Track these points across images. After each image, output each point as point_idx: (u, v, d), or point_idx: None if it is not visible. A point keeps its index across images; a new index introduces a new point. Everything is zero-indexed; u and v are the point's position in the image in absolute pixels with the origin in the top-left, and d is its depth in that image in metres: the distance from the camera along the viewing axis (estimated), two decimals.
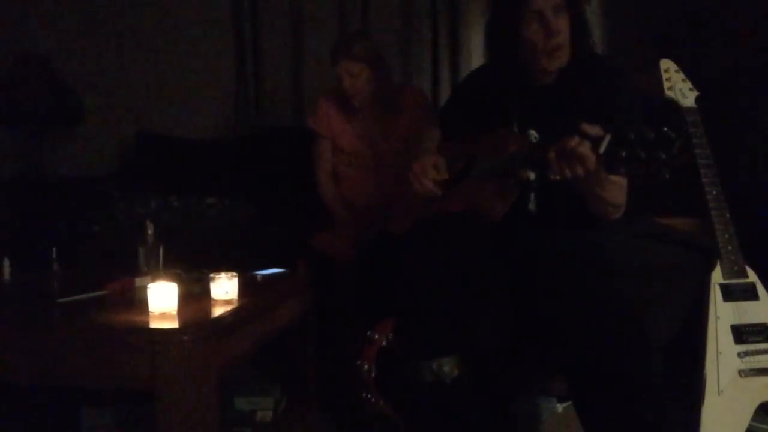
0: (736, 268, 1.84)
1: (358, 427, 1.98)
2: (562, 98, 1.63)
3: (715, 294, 1.81)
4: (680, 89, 1.98)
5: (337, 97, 2.43)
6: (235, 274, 1.66)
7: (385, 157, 2.40)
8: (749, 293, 1.83)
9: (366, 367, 1.69)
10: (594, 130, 1.29)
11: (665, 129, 1.17)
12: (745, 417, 1.74)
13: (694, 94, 1.98)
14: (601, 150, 1.25)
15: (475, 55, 3.08)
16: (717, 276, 1.83)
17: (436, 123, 2.02)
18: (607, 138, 1.24)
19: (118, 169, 3.27)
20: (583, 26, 1.65)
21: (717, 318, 1.78)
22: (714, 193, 1.88)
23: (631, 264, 1.56)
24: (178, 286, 1.53)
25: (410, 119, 2.35)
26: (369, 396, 1.71)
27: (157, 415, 1.38)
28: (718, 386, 1.73)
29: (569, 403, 1.73)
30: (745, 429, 1.74)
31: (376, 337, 1.72)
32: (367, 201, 2.42)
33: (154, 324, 1.46)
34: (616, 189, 1.46)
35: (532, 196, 1.60)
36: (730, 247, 1.85)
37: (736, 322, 1.79)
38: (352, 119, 2.44)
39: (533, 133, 1.58)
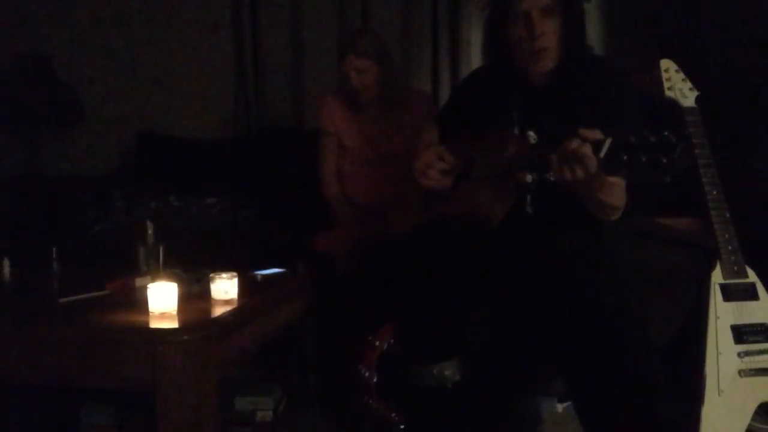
0: (736, 268, 1.84)
1: (359, 428, 1.98)
2: (561, 98, 1.63)
3: (715, 294, 1.81)
4: (680, 89, 1.98)
5: (343, 95, 2.43)
6: (235, 274, 1.66)
7: (388, 156, 2.40)
8: (749, 293, 1.83)
9: (367, 373, 1.69)
10: (593, 134, 1.29)
11: (666, 133, 1.16)
12: (745, 417, 1.74)
13: (694, 94, 1.98)
14: (602, 154, 1.25)
15: (475, 55, 3.08)
16: (717, 276, 1.83)
17: (433, 124, 2.02)
18: (608, 142, 1.24)
19: (118, 169, 3.28)
20: (578, 27, 1.65)
21: (717, 318, 1.78)
22: (714, 193, 1.88)
23: (631, 264, 1.56)
24: (178, 286, 1.54)
25: (415, 121, 2.34)
26: (371, 401, 1.71)
27: (157, 415, 1.38)
28: (718, 386, 1.73)
29: (569, 403, 1.73)
30: (745, 429, 1.74)
31: (377, 342, 1.72)
32: (369, 199, 2.42)
33: (154, 324, 1.46)
34: (616, 191, 1.45)
35: (529, 198, 1.60)
36: (730, 247, 1.85)
37: (736, 322, 1.79)
38: (357, 117, 2.44)
39: (532, 134, 1.58)
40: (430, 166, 1.66)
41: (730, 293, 1.81)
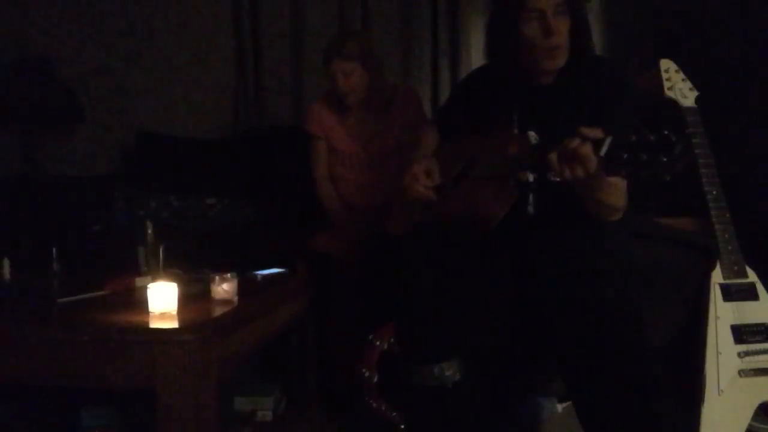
0: (736, 268, 1.84)
1: (359, 428, 1.98)
2: (562, 99, 1.63)
3: (715, 294, 1.81)
4: (680, 89, 1.98)
5: (330, 98, 2.45)
6: (235, 274, 1.66)
7: (379, 157, 2.41)
8: (749, 293, 1.83)
9: (367, 373, 1.69)
10: (594, 132, 1.29)
11: (666, 132, 1.16)
12: (745, 417, 1.74)
13: (694, 94, 1.98)
14: (602, 152, 1.25)
15: (475, 55, 3.08)
16: (717, 276, 1.83)
17: (431, 125, 2.03)
18: (608, 140, 1.24)
19: (118, 169, 3.27)
20: (584, 27, 1.65)
21: (717, 318, 1.78)
22: (714, 193, 1.89)
23: (631, 264, 1.56)
24: (178, 286, 1.53)
25: (402, 118, 2.37)
26: (371, 400, 1.71)
27: (157, 415, 1.38)
28: (718, 386, 1.73)
29: (569, 403, 1.73)
30: (745, 429, 1.74)
31: (377, 342, 1.72)
32: (363, 200, 2.42)
33: (154, 324, 1.46)
34: (616, 192, 1.46)
35: (531, 197, 1.60)
36: (730, 247, 1.85)
37: (736, 322, 1.79)
38: (345, 119, 2.45)
39: (533, 134, 1.58)
40: (417, 180, 1.67)
41: (730, 293, 1.82)
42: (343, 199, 2.47)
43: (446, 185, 1.70)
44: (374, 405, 1.72)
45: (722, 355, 1.75)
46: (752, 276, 1.85)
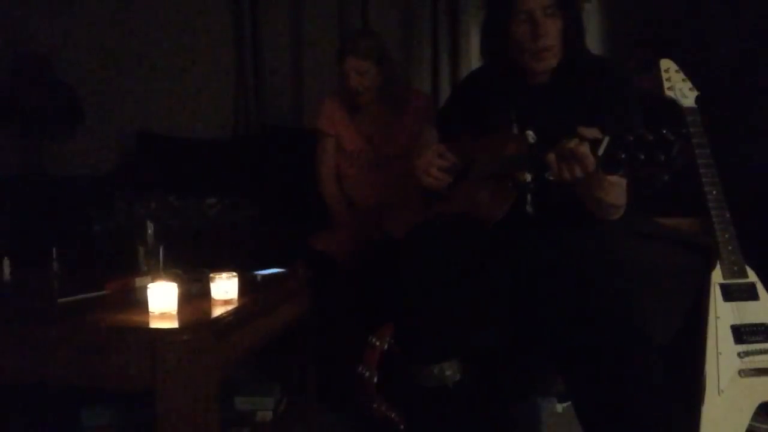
0: (736, 268, 1.84)
1: (359, 428, 1.98)
2: (559, 98, 1.63)
3: (715, 294, 1.81)
4: (680, 89, 1.97)
5: (342, 96, 2.43)
6: (235, 274, 1.66)
7: (387, 158, 2.40)
8: (749, 293, 1.83)
9: (367, 373, 1.69)
10: (592, 132, 1.29)
11: (664, 131, 1.17)
12: (745, 417, 1.74)
13: (694, 94, 1.98)
14: (600, 152, 1.25)
15: (475, 55, 3.08)
16: (717, 276, 1.83)
17: (430, 125, 2.03)
18: (606, 140, 1.25)
19: (118, 169, 3.28)
20: (577, 27, 1.65)
21: (717, 318, 1.78)
22: (714, 193, 1.88)
23: (631, 264, 1.56)
24: (178, 286, 1.53)
25: (414, 122, 2.34)
26: (371, 401, 1.71)
27: (157, 415, 1.38)
28: (718, 386, 1.73)
29: (569, 403, 1.73)
30: (745, 429, 1.74)
31: (378, 342, 1.72)
32: (367, 200, 2.42)
33: (154, 324, 1.46)
34: (616, 190, 1.46)
35: (529, 197, 1.60)
36: (730, 247, 1.85)
37: (736, 322, 1.79)
38: (356, 118, 2.44)
39: (531, 134, 1.58)
40: (432, 164, 1.67)
41: (730, 293, 1.81)
42: (348, 197, 2.47)
43: (451, 184, 1.70)
44: (374, 405, 1.72)
45: (722, 355, 1.75)
46: (752, 276, 1.85)
